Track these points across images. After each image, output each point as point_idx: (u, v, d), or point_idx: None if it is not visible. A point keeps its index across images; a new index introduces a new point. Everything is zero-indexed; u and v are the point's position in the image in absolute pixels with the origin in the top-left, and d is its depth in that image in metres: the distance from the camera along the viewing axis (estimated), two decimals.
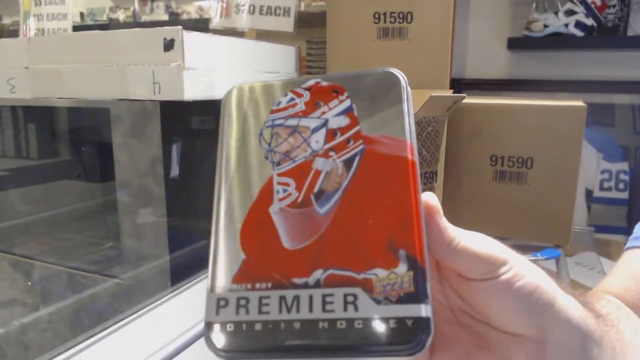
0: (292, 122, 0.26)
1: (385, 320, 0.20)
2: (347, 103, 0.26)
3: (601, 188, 1.61)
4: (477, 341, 0.27)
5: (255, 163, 0.25)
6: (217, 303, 0.22)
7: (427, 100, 0.72)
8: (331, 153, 0.25)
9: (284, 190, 0.24)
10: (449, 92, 0.91)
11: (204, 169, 0.89)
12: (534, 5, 1.54)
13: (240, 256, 0.23)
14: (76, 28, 1.36)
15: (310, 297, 0.21)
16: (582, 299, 0.28)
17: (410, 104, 0.25)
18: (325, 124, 0.25)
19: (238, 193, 0.25)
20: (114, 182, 0.82)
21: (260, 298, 0.22)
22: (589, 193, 1.61)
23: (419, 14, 0.96)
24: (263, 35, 1.03)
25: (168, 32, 0.72)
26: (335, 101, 0.26)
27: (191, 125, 0.89)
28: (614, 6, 1.51)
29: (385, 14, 0.98)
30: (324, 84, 0.26)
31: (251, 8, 1.02)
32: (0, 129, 1.21)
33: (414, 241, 0.22)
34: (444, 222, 0.24)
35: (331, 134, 0.25)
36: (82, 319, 0.81)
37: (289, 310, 0.21)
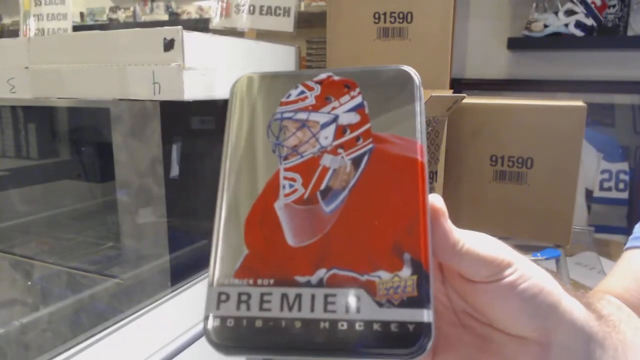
0: (302, 116, 0.25)
1: (387, 323, 0.20)
2: (359, 99, 0.25)
3: (601, 188, 1.61)
4: (480, 343, 0.27)
5: (262, 156, 0.25)
6: (218, 297, 0.22)
7: (427, 100, 0.72)
8: (340, 150, 0.24)
9: (290, 186, 0.24)
10: (449, 92, 0.91)
11: (204, 169, 0.89)
12: (534, 5, 1.54)
13: (243, 251, 0.23)
14: (76, 28, 1.36)
15: (313, 296, 0.21)
16: (584, 300, 0.28)
17: (422, 104, 0.25)
18: (335, 119, 0.25)
19: (243, 186, 0.24)
20: (114, 182, 0.82)
21: (262, 294, 0.21)
22: (589, 193, 1.61)
23: (419, 14, 0.96)
24: (263, 35, 1.03)
25: (168, 32, 0.71)
26: (347, 97, 0.25)
27: (191, 125, 0.89)
28: (614, 6, 1.51)
29: (385, 14, 0.98)
30: (336, 78, 0.26)
31: (251, 8, 1.02)
32: (0, 129, 1.21)
33: (420, 245, 0.21)
34: (448, 224, 0.24)
35: (341, 131, 0.25)
36: (82, 319, 0.81)
37: (290, 308, 0.21)
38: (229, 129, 0.26)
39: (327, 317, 0.21)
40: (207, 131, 0.90)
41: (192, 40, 0.73)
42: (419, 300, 0.20)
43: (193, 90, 0.74)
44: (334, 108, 0.25)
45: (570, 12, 1.47)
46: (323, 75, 0.26)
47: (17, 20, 1.45)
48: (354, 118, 0.25)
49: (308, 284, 0.21)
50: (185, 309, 0.69)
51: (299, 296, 0.21)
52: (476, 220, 0.93)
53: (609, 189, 1.60)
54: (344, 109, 0.25)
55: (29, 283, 0.94)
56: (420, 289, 0.21)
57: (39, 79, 0.85)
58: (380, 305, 0.21)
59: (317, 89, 0.26)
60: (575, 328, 0.26)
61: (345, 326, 0.20)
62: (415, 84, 0.25)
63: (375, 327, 0.20)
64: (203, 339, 0.21)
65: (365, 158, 0.24)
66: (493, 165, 0.91)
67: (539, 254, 0.88)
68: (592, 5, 1.45)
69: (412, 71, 0.25)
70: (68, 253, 0.99)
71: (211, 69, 0.77)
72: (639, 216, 0.89)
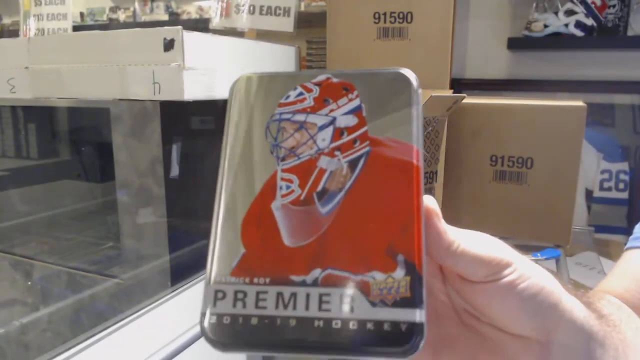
0: (300, 117, 0.25)
1: (380, 322, 0.21)
2: (356, 102, 0.25)
3: (601, 188, 1.61)
4: (480, 342, 0.27)
5: (259, 156, 0.25)
6: (215, 295, 0.22)
7: (427, 100, 0.72)
8: (337, 152, 0.24)
9: (287, 187, 0.24)
10: (449, 92, 0.91)
11: (204, 169, 0.89)
12: (534, 5, 1.54)
13: (240, 250, 0.23)
14: (76, 28, 1.37)
15: (307, 295, 0.21)
16: (585, 299, 0.28)
17: (420, 107, 0.25)
18: (332, 122, 0.25)
19: (241, 186, 0.24)
20: (114, 182, 0.82)
21: (258, 293, 0.22)
22: (589, 193, 1.61)
23: (419, 14, 0.96)
24: (263, 35, 1.03)
25: (168, 32, 0.71)
26: (345, 99, 0.26)
27: (191, 125, 0.89)
28: (614, 6, 1.51)
29: (385, 14, 0.98)
30: (335, 80, 0.26)
31: (251, 8, 1.02)
32: (0, 129, 1.21)
33: (413, 247, 0.22)
34: (442, 225, 0.24)
35: (338, 133, 0.25)
36: (82, 319, 0.81)
37: (285, 306, 0.21)
38: (227, 130, 0.26)
39: (322, 315, 0.21)
40: (207, 131, 0.90)
41: (192, 40, 0.73)
42: (412, 300, 0.21)
43: (193, 90, 0.74)
44: (331, 110, 0.25)
45: (570, 12, 1.47)
46: (321, 77, 0.26)
47: (17, 20, 1.45)
48: (352, 121, 0.25)
49: (303, 283, 0.22)
50: (185, 309, 0.70)
51: (294, 295, 0.21)
52: (476, 220, 0.93)
53: (609, 189, 1.60)
54: (342, 112, 0.25)
55: (29, 283, 0.94)
56: (413, 290, 0.21)
57: (39, 79, 0.85)
58: (373, 305, 0.21)
59: (316, 91, 0.26)
60: (576, 327, 0.26)
61: (339, 325, 0.21)
62: (413, 87, 0.25)
63: (369, 326, 0.20)
64: (203, 339, 0.21)
65: (362, 161, 0.24)
66: (493, 165, 0.91)
67: (539, 254, 0.88)
68: (592, 5, 1.45)
69: (411, 74, 0.26)
70: (68, 253, 0.99)
71: (211, 69, 0.77)
72: (639, 216, 0.89)
